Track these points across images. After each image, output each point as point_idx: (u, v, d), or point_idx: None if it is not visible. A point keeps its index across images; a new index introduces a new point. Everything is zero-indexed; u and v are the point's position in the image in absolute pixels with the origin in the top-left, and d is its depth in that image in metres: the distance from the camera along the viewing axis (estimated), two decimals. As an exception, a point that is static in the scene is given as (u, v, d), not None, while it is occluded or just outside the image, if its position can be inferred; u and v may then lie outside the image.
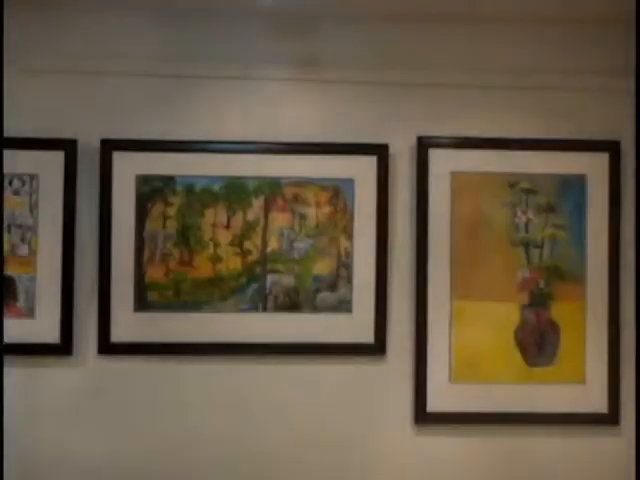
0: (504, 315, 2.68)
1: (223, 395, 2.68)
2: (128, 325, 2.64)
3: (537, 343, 2.67)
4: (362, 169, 2.67)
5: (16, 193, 2.63)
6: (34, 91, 2.66)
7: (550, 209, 2.68)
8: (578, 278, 2.68)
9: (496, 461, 2.70)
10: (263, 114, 2.70)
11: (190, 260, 2.66)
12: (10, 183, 2.62)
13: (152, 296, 2.65)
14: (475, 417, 2.67)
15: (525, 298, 2.68)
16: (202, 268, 2.65)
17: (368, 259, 2.67)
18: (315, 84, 2.71)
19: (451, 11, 2.64)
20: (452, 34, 2.72)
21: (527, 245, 2.68)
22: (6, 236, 2.62)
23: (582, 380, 2.67)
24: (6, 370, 2.60)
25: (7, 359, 2.59)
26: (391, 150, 2.69)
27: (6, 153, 2.58)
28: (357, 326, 2.67)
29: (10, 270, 2.62)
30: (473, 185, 2.69)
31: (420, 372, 2.67)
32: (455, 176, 2.69)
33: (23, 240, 2.63)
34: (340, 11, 2.66)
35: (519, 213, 2.68)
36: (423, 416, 2.66)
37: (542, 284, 2.67)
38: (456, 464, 2.70)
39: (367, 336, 2.67)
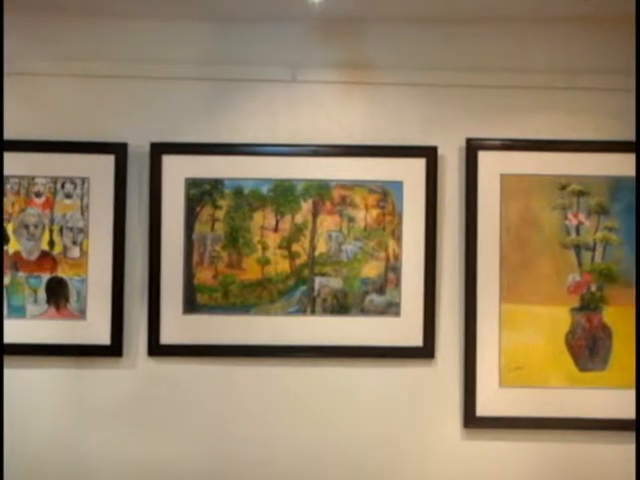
0: (554, 319, 2.65)
1: (271, 397, 2.68)
2: (177, 327, 2.66)
3: (589, 347, 2.64)
4: (411, 171, 2.66)
5: (68, 196, 2.66)
6: (85, 96, 2.69)
7: (602, 211, 2.65)
8: (631, 281, 2.64)
9: (546, 466, 2.67)
10: (311, 117, 2.70)
11: (238, 263, 2.66)
12: (62, 186, 2.65)
13: (201, 298, 2.66)
14: (525, 422, 2.64)
15: (576, 302, 2.65)
16: (250, 271, 2.66)
17: (417, 262, 2.66)
18: (363, 87, 2.71)
19: (498, 12, 2.63)
20: (500, 35, 2.71)
21: (578, 248, 2.65)
22: (57, 239, 2.66)
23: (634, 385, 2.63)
24: (57, 371, 2.66)
25: (59, 360, 2.65)
26: (440, 152, 2.67)
27: (58, 157, 2.67)
28: (405, 329, 2.66)
29: (62, 272, 2.65)
30: (523, 187, 2.67)
31: (469, 376, 2.65)
32: (504, 178, 2.67)
33: (75, 242, 2.66)
34: (387, 13, 2.66)
35: (570, 216, 2.65)
36: (472, 420, 2.64)
37: (594, 288, 2.64)
38: (505, 469, 2.67)
39: (416, 339, 2.66)
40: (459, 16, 2.66)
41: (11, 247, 2.64)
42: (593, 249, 2.65)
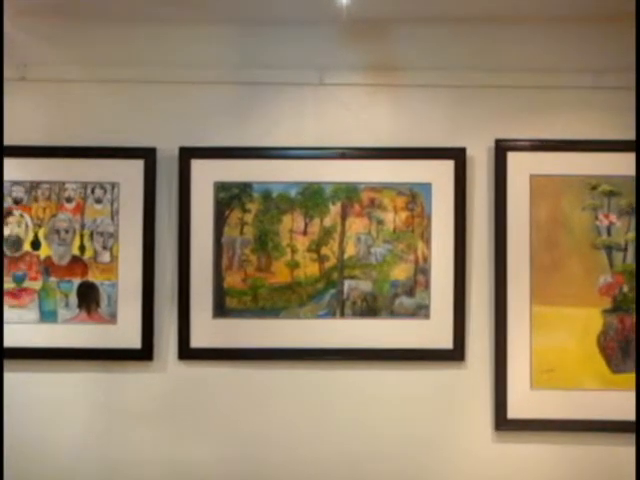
0: (585, 320, 2.63)
1: (301, 401, 2.68)
2: (207, 331, 2.67)
3: (621, 349, 2.61)
4: (439, 173, 2.65)
5: (98, 201, 2.68)
6: (114, 101, 2.71)
7: (633, 211, 2.62)
8: (664, 282, 2.61)
9: (578, 469, 2.65)
10: (339, 119, 2.70)
11: (268, 266, 2.67)
12: (92, 191, 2.67)
13: (230, 302, 2.67)
14: (556, 424, 2.63)
15: (607, 303, 2.63)
16: (280, 274, 2.67)
17: (446, 264, 2.65)
18: (391, 89, 2.70)
19: (524, 12, 2.61)
20: (527, 35, 2.69)
21: (609, 249, 2.63)
22: (88, 243, 2.67)
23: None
24: (88, 375, 2.67)
25: (90, 364, 2.67)
26: (468, 153, 2.66)
27: (88, 162, 2.68)
28: (435, 332, 2.65)
29: (92, 277, 2.67)
30: (552, 188, 2.65)
31: (500, 378, 2.63)
32: (534, 179, 2.65)
33: (105, 247, 2.67)
34: (414, 14, 2.65)
35: (600, 216, 2.63)
36: (504, 422, 2.63)
37: (626, 288, 2.61)
38: (537, 472, 2.65)
39: (446, 342, 2.65)
40: (485, 16, 2.64)
41: (42, 252, 2.67)
42: (624, 250, 2.63)
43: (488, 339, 2.66)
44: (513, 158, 2.65)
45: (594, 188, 2.64)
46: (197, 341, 2.67)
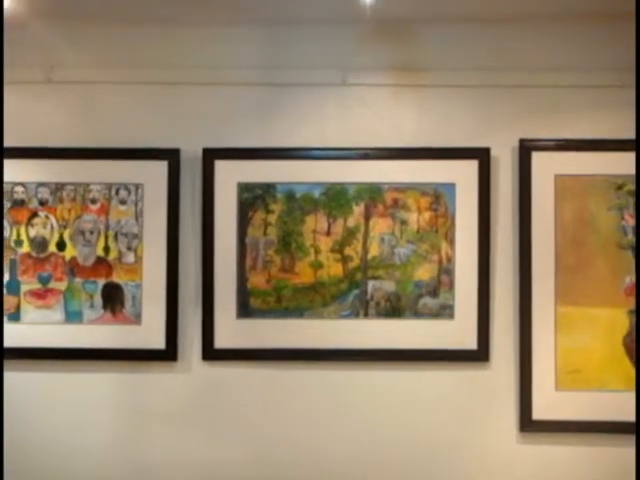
0: (611, 321, 2.61)
1: (325, 401, 2.68)
2: (231, 331, 2.68)
3: (648, 350, 2.59)
4: (463, 173, 2.64)
5: (122, 202, 2.69)
6: (138, 103, 2.72)
7: (659, 212, 2.61)
8: (692, 283, 2.59)
9: (604, 471, 2.63)
10: (362, 120, 2.69)
11: (291, 267, 2.67)
12: (117, 192, 2.69)
13: (254, 303, 2.67)
14: (582, 425, 2.61)
15: (633, 303, 2.60)
16: (303, 274, 2.67)
17: (470, 264, 2.64)
18: (414, 89, 2.70)
19: (547, 11, 2.59)
20: (551, 34, 2.67)
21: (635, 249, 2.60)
22: (113, 244, 2.69)
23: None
24: (113, 376, 2.69)
25: (114, 364, 2.68)
26: (493, 154, 2.65)
27: (112, 163, 2.70)
28: (460, 332, 2.64)
29: (117, 278, 2.68)
30: (578, 188, 2.63)
31: (525, 379, 2.62)
32: (559, 179, 2.63)
33: (129, 248, 2.69)
34: (438, 14, 2.64)
35: (627, 216, 2.61)
36: (529, 424, 2.62)
37: (652, 289, 2.60)
38: (563, 473, 2.64)
39: (470, 342, 2.64)
40: (509, 16, 2.63)
41: (68, 253, 2.68)
42: (651, 249, 2.61)
43: (513, 339, 2.65)
44: (538, 158, 2.64)
45: (620, 188, 2.62)
46: (221, 341, 2.67)
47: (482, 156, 2.64)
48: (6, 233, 2.68)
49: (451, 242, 2.65)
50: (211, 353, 2.68)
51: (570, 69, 2.67)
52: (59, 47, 2.66)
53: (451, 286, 2.65)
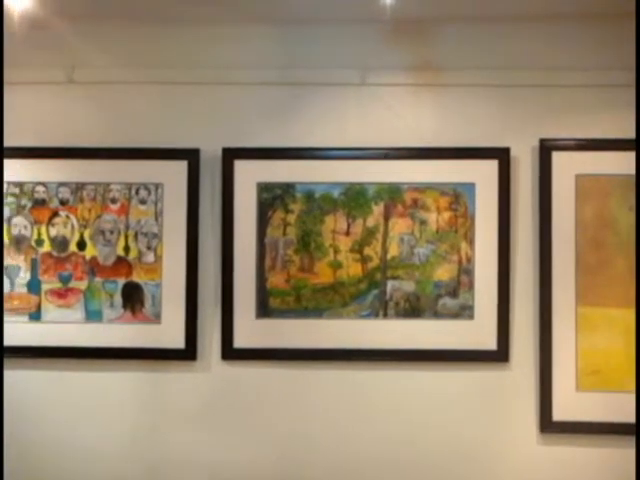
0: (632, 321, 2.58)
1: (344, 401, 2.68)
2: (250, 331, 2.68)
3: (670, 351, 2.57)
4: (483, 173, 2.64)
5: (142, 202, 2.70)
6: (157, 103, 2.73)
7: (681, 211, 2.59)
8: None
9: (626, 474, 2.60)
10: (381, 120, 2.69)
11: (310, 266, 2.67)
12: (137, 192, 2.70)
13: (273, 302, 2.67)
14: (603, 427, 2.59)
15: (654, 304, 2.59)
16: (322, 274, 2.67)
17: (490, 264, 2.63)
18: (433, 88, 2.69)
19: (566, 10, 2.58)
20: (572, 33, 2.66)
21: (657, 249, 2.59)
22: (133, 244, 2.70)
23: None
24: (132, 375, 2.69)
25: (134, 363, 2.69)
26: (513, 153, 2.64)
27: (132, 163, 2.70)
28: (479, 332, 2.63)
29: (137, 277, 2.69)
30: (599, 188, 2.62)
31: (545, 380, 2.61)
32: (580, 179, 2.62)
33: (149, 248, 2.69)
34: (457, 13, 2.63)
35: (647, 216, 2.60)
36: (549, 425, 2.61)
37: (674, 289, 2.58)
38: (584, 475, 2.62)
39: (490, 343, 2.63)
40: (528, 15, 2.62)
41: (88, 253, 2.70)
42: (673, 250, 2.59)
43: (533, 340, 2.64)
44: (558, 158, 2.62)
45: (641, 187, 2.60)
46: (240, 341, 2.68)
47: (502, 156, 2.63)
48: (27, 232, 2.70)
49: (471, 242, 2.64)
50: (230, 353, 2.68)
51: (591, 68, 2.65)
52: (80, 47, 2.67)
53: (471, 286, 2.64)
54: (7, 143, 2.64)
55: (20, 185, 2.70)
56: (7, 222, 2.70)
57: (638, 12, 2.29)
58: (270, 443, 2.69)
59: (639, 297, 2.55)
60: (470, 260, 2.64)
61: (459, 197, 2.65)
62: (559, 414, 2.60)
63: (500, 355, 2.63)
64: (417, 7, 2.57)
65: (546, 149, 2.63)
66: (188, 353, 2.68)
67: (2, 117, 2.25)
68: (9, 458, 2.66)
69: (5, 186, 2.70)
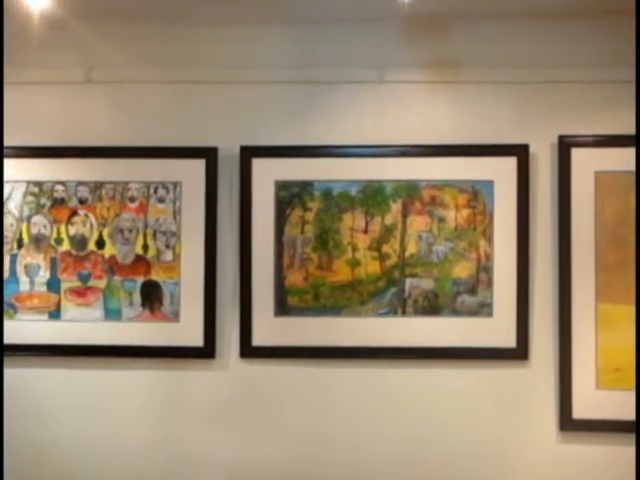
0: (653, 319, 2.58)
1: (362, 399, 2.68)
2: (268, 329, 2.68)
3: (691, 348, 2.56)
4: (502, 170, 2.63)
5: (161, 200, 2.71)
6: (175, 101, 2.74)
7: (702, 208, 2.57)
8: None
9: (646, 471, 2.60)
10: (399, 117, 2.69)
11: (329, 264, 2.67)
12: (155, 191, 2.70)
13: (292, 300, 2.67)
14: (624, 425, 2.57)
15: (675, 301, 2.57)
16: (341, 272, 2.67)
17: (509, 262, 2.62)
18: (452, 85, 2.68)
19: (584, 7, 2.57)
20: (590, 29, 2.64)
21: (678, 246, 2.57)
22: (151, 242, 2.70)
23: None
24: (151, 373, 2.70)
25: (153, 362, 2.69)
26: (531, 150, 2.63)
27: (151, 162, 2.71)
28: (498, 330, 2.62)
29: (155, 275, 2.70)
30: (618, 185, 2.60)
31: (565, 378, 2.60)
32: (599, 176, 2.61)
33: (168, 246, 2.70)
34: (474, 10, 2.62)
35: (668, 213, 2.58)
36: (569, 423, 2.59)
37: (694, 286, 2.56)
38: (604, 474, 2.61)
39: (509, 340, 2.62)
40: (546, 12, 2.61)
41: (107, 251, 2.71)
42: (694, 247, 2.57)
43: (552, 338, 2.63)
44: (577, 154, 2.61)
45: (661, 184, 2.59)
46: (259, 339, 2.68)
47: (521, 153, 2.62)
48: (47, 231, 2.71)
49: (489, 240, 2.63)
50: (249, 351, 2.68)
51: (609, 64, 2.64)
52: (98, 47, 2.68)
53: (489, 284, 2.63)
54: (27, 143, 2.70)
55: (39, 184, 2.71)
56: (27, 221, 2.72)
57: (638, 11, 2.29)
58: (288, 441, 2.69)
59: (639, 297, 2.54)
60: (489, 257, 2.63)
61: (477, 194, 2.64)
62: (579, 412, 2.59)
63: (519, 353, 2.62)
64: (434, 4, 2.56)
65: (565, 146, 2.61)
66: (206, 351, 2.68)
67: (2, 117, 2.26)
68: (27, 457, 2.71)
69: (25, 185, 2.71)
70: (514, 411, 2.64)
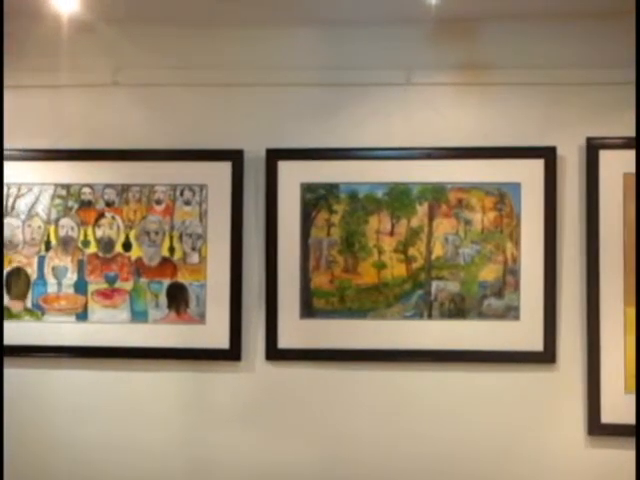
0: (682, 322, 2.55)
1: (388, 402, 2.67)
2: (294, 332, 2.68)
3: None
4: (529, 173, 2.61)
5: (187, 203, 2.71)
6: (202, 104, 2.74)
7: None
8: None
9: (675, 476, 2.57)
10: (426, 119, 2.68)
11: (354, 267, 2.67)
12: (181, 193, 2.71)
13: (318, 303, 2.67)
14: (653, 430, 2.55)
15: None
16: (366, 275, 2.66)
17: (536, 265, 2.60)
18: (478, 87, 2.67)
19: (610, 7, 2.55)
20: (617, 30, 2.60)
21: None
22: (177, 245, 2.71)
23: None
24: (177, 375, 2.71)
25: (179, 364, 2.70)
26: (559, 152, 2.61)
27: (177, 165, 2.71)
28: (525, 333, 2.61)
29: (182, 278, 2.71)
30: (647, 187, 2.58)
31: (593, 381, 2.58)
32: (628, 178, 2.58)
33: (194, 248, 2.71)
34: (501, 12, 2.61)
35: (698, 215, 2.55)
36: (597, 427, 2.57)
37: None
38: (632, 479, 2.58)
39: (536, 344, 2.60)
40: (573, 13, 2.59)
41: (134, 253, 2.72)
42: None
43: (580, 341, 2.61)
44: (605, 156, 2.59)
45: (691, 186, 2.56)
46: (284, 342, 2.68)
47: (548, 155, 2.61)
48: (74, 234, 2.73)
49: (516, 242, 2.62)
50: (275, 353, 2.69)
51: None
52: (125, 50, 2.69)
53: (516, 287, 2.61)
54: (55, 145, 2.72)
55: (67, 187, 2.73)
56: (54, 223, 2.73)
57: (638, 12, 2.27)
58: (314, 444, 2.69)
59: (639, 297, 2.52)
60: (516, 260, 2.62)
61: (504, 197, 2.63)
62: (607, 416, 2.57)
63: (547, 356, 2.60)
64: (461, 6, 2.55)
65: (593, 148, 2.59)
66: (232, 353, 2.68)
67: (2, 117, 2.27)
68: (55, 457, 2.72)
69: (52, 188, 2.73)
70: (541, 415, 2.63)
